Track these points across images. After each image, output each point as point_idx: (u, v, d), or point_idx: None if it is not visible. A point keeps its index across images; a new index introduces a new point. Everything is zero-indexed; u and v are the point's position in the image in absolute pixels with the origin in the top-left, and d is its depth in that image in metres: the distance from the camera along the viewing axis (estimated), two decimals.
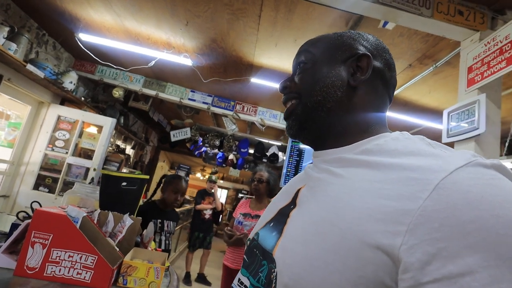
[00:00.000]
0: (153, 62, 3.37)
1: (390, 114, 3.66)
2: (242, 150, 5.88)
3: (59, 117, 3.60)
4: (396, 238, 0.35)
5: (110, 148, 5.04)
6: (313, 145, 0.58)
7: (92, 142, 3.73)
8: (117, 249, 1.18)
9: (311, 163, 0.61)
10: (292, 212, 0.52)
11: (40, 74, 2.90)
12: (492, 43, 1.71)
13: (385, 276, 0.35)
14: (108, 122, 3.77)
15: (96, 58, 3.57)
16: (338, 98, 0.53)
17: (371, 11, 1.82)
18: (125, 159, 5.40)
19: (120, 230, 1.28)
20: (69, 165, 3.60)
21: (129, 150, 6.21)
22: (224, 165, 6.51)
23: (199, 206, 4.71)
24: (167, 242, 2.22)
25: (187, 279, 4.42)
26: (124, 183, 1.55)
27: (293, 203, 0.55)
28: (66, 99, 3.70)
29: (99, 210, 1.35)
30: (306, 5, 2.11)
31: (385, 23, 1.96)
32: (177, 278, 1.41)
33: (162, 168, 6.57)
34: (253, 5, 2.25)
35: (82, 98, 3.86)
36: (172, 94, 4.20)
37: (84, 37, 3.16)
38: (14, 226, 1.20)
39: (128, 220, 1.29)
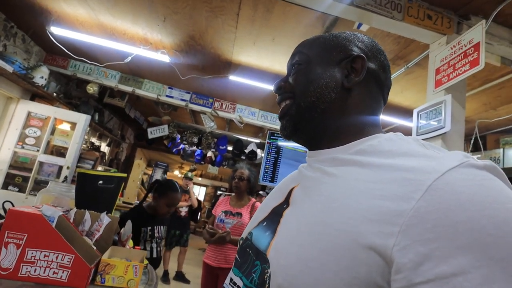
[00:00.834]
0: (129, 58, 3.29)
1: None
2: (221, 147, 5.87)
3: (29, 113, 3.45)
4: (388, 239, 0.35)
5: (85, 145, 4.89)
6: (307, 145, 0.58)
7: (65, 139, 3.61)
8: (95, 248, 1.17)
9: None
10: (286, 212, 0.52)
11: (9, 68, 2.78)
12: (458, 46, 1.82)
13: (378, 276, 0.35)
14: (82, 119, 3.66)
15: (69, 53, 3.45)
16: (332, 99, 0.53)
17: (346, 13, 1.89)
18: (100, 156, 5.26)
19: (97, 229, 1.27)
20: (41, 163, 3.47)
21: (105, 148, 6.05)
22: (202, 162, 6.48)
23: None
24: (158, 249, 2.09)
25: (165, 277, 4.37)
26: (101, 182, 1.53)
27: (286, 203, 0.55)
28: (36, 95, 3.56)
29: (75, 209, 1.33)
30: (284, 5, 2.14)
31: (360, 25, 2.03)
32: (156, 276, 1.42)
33: (139, 166, 6.42)
34: (231, 3, 2.26)
35: (54, 94, 3.72)
36: (149, 90, 4.14)
37: (56, 30, 3.05)
38: None
39: (105, 219, 1.28)
